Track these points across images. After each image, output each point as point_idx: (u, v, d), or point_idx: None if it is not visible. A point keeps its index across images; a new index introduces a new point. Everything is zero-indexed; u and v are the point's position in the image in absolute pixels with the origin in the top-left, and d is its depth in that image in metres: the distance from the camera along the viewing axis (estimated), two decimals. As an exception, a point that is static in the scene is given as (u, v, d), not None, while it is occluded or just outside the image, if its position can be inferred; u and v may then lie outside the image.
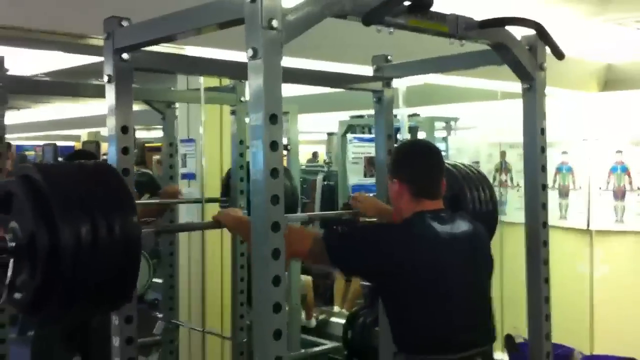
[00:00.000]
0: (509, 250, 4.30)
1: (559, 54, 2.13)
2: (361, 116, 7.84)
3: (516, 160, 5.12)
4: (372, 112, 3.69)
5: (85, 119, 9.91)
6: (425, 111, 6.65)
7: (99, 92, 3.10)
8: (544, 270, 2.31)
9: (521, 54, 2.21)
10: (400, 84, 4.62)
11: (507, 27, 2.12)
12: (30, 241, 1.57)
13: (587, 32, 3.93)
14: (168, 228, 3.50)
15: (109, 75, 2.01)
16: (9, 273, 1.62)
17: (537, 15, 3.19)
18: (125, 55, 1.99)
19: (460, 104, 6.05)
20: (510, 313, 4.36)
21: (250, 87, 1.56)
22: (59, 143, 11.43)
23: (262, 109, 1.53)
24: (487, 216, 2.64)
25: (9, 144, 9.05)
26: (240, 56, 2.68)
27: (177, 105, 4.04)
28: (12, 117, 10.98)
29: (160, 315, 4.12)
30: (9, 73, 2.73)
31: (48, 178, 1.62)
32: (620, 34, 3.93)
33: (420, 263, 2.13)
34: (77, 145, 12.12)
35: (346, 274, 2.80)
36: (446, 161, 3.14)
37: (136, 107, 4.06)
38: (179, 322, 4.10)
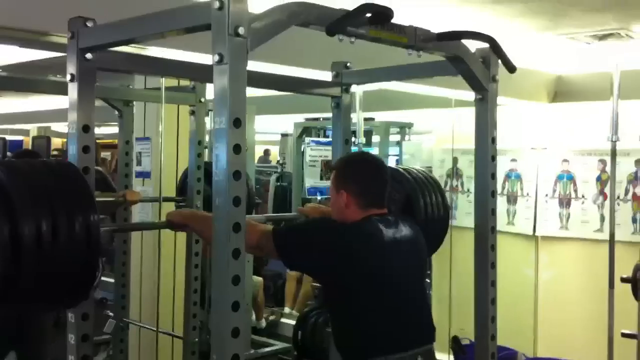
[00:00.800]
0: (457, 253, 4.41)
1: (510, 68, 2.22)
2: (316, 119, 7.94)
3: (467, 167, 5.24)
4: (327, 115, 3.75)
5: (35, 114, 9.73)
6: (381, 116, 6.77)
7: (58, 89, 3.13)
8: (492, 273, 2.40)
9: (475, 66, 2.30)
10: (358, 89, 4.71)
11: (463, 40, 2.21)
12: None
13: (539, 45, 4.06)
14: (125, 227, 3.50)
15: (72, 74, 2.02)
16: None
17: (492, 28, 3.32)
18: (88, 55, 2.01)
19: (415, 110, 6.17)
20: (457, 315, 4.47)
21: (215, 92, 1.60)
22: (8, 137, 11.19)
23: (227, 113, 1.57)
24: (440, 221, 2.72)
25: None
26: (202, 58, 2.74)
27: (134, 103, 4.05)
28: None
29: (111, 314, 4.11)
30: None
31: (10, 174, 1.65)
32: (571, 47, 4.07)
33: (369, 261, 2.20)
34: (27, 140, 11.91)
35: (293, 268, 2.79)
36: (399, 166, 3.24)
37: (92, 103, 4.06)
38: (131, 321, 4.09)
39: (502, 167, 5.07)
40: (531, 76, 4.84)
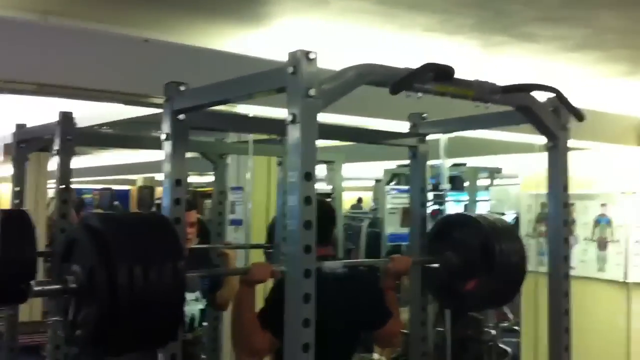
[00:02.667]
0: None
1: (578, 116, 2.29)
2: (407, 165, 8.02)
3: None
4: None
5: (140, 165, 10.31)
6: (467, 162, 6.82)
7: (158, 144, 3.40)
8: (565, 320, 2.41)
9: (545, 115, 2.37)
10: (442, 136, 4.80)
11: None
12: (91, 281, 1.74)
13: (623, 89, 4.06)
14: (210, 272, 3.69)
15: (166, 134, 2.23)
16: (70, 312, 1.82)
17: (575, 74, 3.38)
18: (181, 116, 2.22)
19: (501, 155, 6.18)
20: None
21: (289, 148, 1.76)
22: (115, 187, 11.86)
23: (298, 168, 1.73)
24: (516, 267, 2.75)
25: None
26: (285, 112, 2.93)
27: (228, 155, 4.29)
28: (72, 163, 11.47)
29: (204, 357, 4.30)
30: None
31: (109, 227, 1.82)
32: (657, 90, 4.05)
33: None
34: (133, 189, 12.59)
35: None
36: (472, 213, 3.30)
37: (190, 155, 4.34)
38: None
39: (592, 212, 5.01)
40: (619, 120, 4.79)
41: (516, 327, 5.96)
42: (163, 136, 2.24)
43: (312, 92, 1.72)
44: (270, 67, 1.83)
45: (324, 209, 2.82)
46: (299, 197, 1.74)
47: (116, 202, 10.22)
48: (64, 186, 3.04)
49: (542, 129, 2.41)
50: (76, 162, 9.87)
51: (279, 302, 2.47)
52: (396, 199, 5.43)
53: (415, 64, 1.91)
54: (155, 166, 9.99)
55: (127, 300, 1.70)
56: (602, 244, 5.02)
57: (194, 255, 3.65)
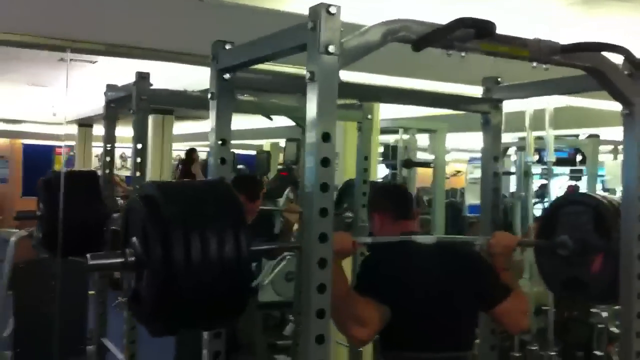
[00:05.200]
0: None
1: (650, 80, 2.05)
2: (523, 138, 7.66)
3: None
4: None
5: (262, 130, 10.50)
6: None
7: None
8: (637, 304, 2.20)
9: (618, 79, 2.15)
10: (547, 106, 4.52)
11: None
12: (149, 256, 1.64)
13: None
14: (277, 246, 3.69)
15: (212, 93, 2.23)
16: (131, 285, 1.74)
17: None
18: (226, 75, 2.21)
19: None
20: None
21: (307, 108, 1.69)
22: (240, 152, 12.19)
23: (317, 127, 1.66)
24: None
25: (193, 149, 9.83)
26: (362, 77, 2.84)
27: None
28: (199, 127, 11.93)
29: (291, 318, 4.36)
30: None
31: (167, 197, 1.71)
32: None
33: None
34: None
35: None
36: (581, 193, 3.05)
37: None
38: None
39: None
40: None
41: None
42: (209, 95, 2.24)
43: (331, 48, 1.65)
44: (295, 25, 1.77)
45: (399, 187, 2.82)
46: (316, 159, 1.66)
47: (240, 166, 10.46)
48: (140, 145, 3.12)
49: (615, 93, 2.19)
50: (201, 126, 10.18)
51: (371, 267, 2.51)
52: (477, 169, 5.20)
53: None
54: (276, 131, 10.20)
55: (184, 274, 1.60)
56: None
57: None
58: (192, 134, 12.58)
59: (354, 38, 1.73)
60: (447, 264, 2.52)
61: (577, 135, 7.03)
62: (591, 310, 5.18)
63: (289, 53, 1.88)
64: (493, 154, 2.76)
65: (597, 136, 6.79)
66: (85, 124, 11.10)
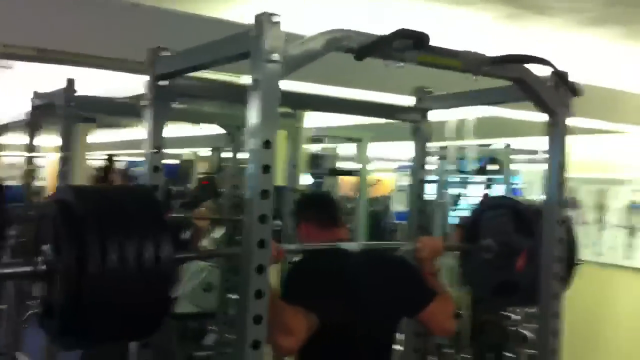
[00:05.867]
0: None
1: (574, 91, 2.17)
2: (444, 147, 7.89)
3: (585, 196, 5.02)
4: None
5: (184, 139, 10.34)
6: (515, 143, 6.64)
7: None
8: (555, 304, 2.30)
9: (542, 90, 2.25)
10: (470, 115, 4.67)
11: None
12: (60, 264, 1.54)
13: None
14: (202, 254, 3.64)
15: (148, 100, 2.21)
16: (40, 296, 1.64)
17: (600, 50, 3.20)
18: (162, 82, 2.19)
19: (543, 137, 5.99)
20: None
21: (250, 115, 1.70)
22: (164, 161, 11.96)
23: (258, 135, 1.67)
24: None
25: (111, 158, 9.59)
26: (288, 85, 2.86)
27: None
28: (120, 135, 11.66)
29: (212, 328, 4.32)
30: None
31: (82, 200, 1.63)
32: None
33: None
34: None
35: None
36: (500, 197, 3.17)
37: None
38: (233, 336, 4.26)
39: (623, 197, 4.82)
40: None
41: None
42: (144, 102, 2.22)
43: (274, 57, 1.66)
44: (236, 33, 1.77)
45: (325, 195, 2.85)
46: (257, 165, 1.67)
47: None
48: (66, 153, 3.05)
49: (539, 104, 2.29)
50: (124, 134, 9.96)
51: (298, 275, 2.48)
52: (405, 176, 5.34)
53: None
54: (197, 141, 10.09)
55: (98, 284, 1.49)
56: (633, 231, 4.83)
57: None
58: (110, 142, 12.29)
59: (296, 46, 1.75)
60: (373, 271, 2.54)
61: (488, 145, 7.25)
62: (503, 313, 5.37)
63: (230, 60, 1.88)
64: (421, 161, 2.84)
65: (509, 145, 7.06)
66: (-7, 132, 10.66)
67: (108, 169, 9.36)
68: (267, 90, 1.67)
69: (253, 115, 1.68)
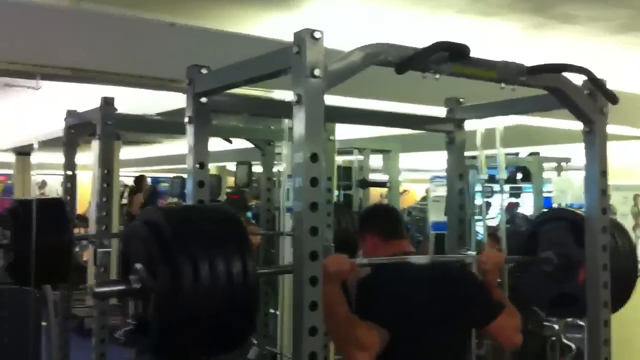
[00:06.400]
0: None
1: (611, 98, 2.18)
2: (474, 157, 7.86)
3: (621, 204, 4.99)
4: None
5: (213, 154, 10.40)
6: (544, 151, 6.64)
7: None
8: (605, 312, 2.31)
9: (579, 98, 2.27)
10: (497, 125, 4.66)
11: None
12: (154, 282, 1.62)
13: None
14: (280, 269, 3.67)
15: (189, 117, 2.25)
16: (133, 313, 1.71)
17: (625, 58, 3.21)
18: (203, 99, 2.24)
19: (569, 144, 5.97)
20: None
21: (295, 130, 1.73)
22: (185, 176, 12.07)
23: (303, 149, 1.70)
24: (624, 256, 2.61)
25: (142, 176, 9.69)
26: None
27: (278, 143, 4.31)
28: (146, 151, 11.81)
29: (255, 342, 4.34)
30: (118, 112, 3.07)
31: (171, 221, 1.70)
32: None
33: None
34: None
35: None
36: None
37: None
38: (274, 350, 4.30)
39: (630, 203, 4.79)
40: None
41: (582, 322, 5.74)
42: (186, 119, 2.26)
43: (316, 72, 1.70)
44: (278, 49, 1.81)
45: (388, 207, 3.04)
46: (304, 179, 1.70)
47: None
48: (106, 171, 3.11)
49: (576, 112, 2.31)
50: (147, 151, 10.09)
51: (368, 289, 2.48)
52: (440, 187, 5.34)
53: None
54: (225, 155, 10.19)
55: (192, 300, 1.57)
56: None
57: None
58: (137, 159, 12.45)
59: (337, 62, 1.79)
60: (442, 284, 2.51)
61: (516, 154, 7.23)
62: (544, 323, 5.32)
63: (270, 77, 1.92)
64: (458, 171, 2.85)
65: (537, 154, 7.03)
66: (22, 152, 10.83)
67: (139, 187, 9.50)
68: (311, 105, 1.70)
69: (298, 129, 1.71)
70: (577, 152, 6.74)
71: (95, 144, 8.16)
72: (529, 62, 2.10)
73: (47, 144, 4.99)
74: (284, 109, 2.59)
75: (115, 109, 3.03)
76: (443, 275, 2.56)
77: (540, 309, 2.84)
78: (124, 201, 10.60)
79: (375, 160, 5.93)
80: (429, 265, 2.55)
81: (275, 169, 4.36)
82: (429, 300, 2.45)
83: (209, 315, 1.61)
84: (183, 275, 1.57)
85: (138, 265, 1.69)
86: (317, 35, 1.70)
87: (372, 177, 6.11)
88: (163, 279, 1.59)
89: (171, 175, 13.26)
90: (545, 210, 5.25)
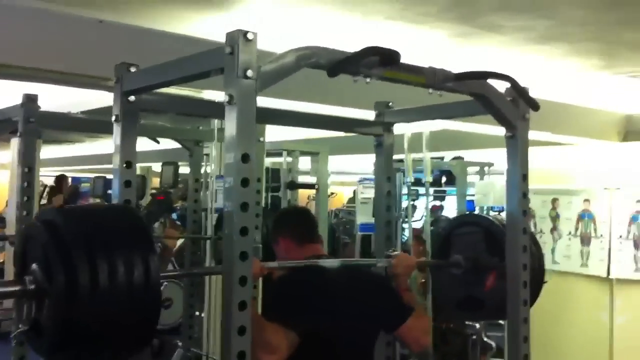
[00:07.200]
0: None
1: (533, 106, 2.26)
2: (401, 160, 8.00)
3: (540, 207, 5.17)
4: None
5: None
6: (469, 155, 6.82)
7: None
8: (523, 310, 2.38)
9: (502, 105, 2.34)
10: (424, 129, 4.77)
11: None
12: (49, 283, 1.58)
13: (601, 84, 4.02)
14: (186, 272, 3.65)
15: (116, 115, 2.21)
16: (28, 315, 1.65)
17: (548, 67, 3.34)
18: (131, 98, 2.20)
19: (492, 149, 6.15)
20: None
21: (226, 130, 1.73)
22: (110, 176, 11.82)
23: (235, 149, 1.70)
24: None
25: (63, 176, 9.42)
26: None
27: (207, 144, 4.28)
28: (68, 151, 11.49)
29: (180, 343, 4.30)
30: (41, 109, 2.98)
31: (70, 221, 1.66)
32: (636, 86, 4.00)
33: None
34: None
35: None
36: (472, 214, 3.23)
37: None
38: (198, 352, 4.27)
39: (576, 207, 4.98)
40: (599, 115, 4.76)
41: (501, 322, 5.93)
42: (113, 118, 2.22)
43: (249, 73, 1.70)
44: (209, 49, 1.81)
45: (302, 210, 3.00)
46: (235, 179, 1.70)
47: (110, 191, 10.17)
48: (27, 169, 3.01)
49: (499, 118, 2.38)
50: (71, 150, 9.83)
51: (278, 293, 2.46)
52: (368, 188, 5.43)
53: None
54: (149, 155, 10.02)
55: (89, 303, 1.54)
56: (586, 240, 5.00)
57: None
58: (58, 158, 12.10)
59: (270, 63, 1.80)
60: (353, 287, 2.55)
61: (441, 158, 7.40)
62: (466, 322, 5.48)
63: (202, 77, 1.91)
64: (386, 174, 2.90)
65: (461, 158, 7.21)
66: None
67: (59, 187, 9.23)
68: (243, 105, 1.70)
69: (230, 129, 1.71)
70: (499, 157, 6.98)
71: (15, 142, 7.94)
72: (455, 69, 2.16)
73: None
74: (215, 109, 2.61)
75: (39, 107, 2.94)
76: (354, 279, 2.59)
77: (449, 309, 2.89)
78: (43, 201, 10.29)
79: (304, 163, 5.97)
80: (341, 269, 2.57)
81: (202, 170, 4.34)
82: (340, 303, 2.48)
83: (106, 320, 1.58)
84: (79, 276, 1.53)
85: (34, 266, 1.65)
86: (250, 36, 1.70)
87: (301, 179, 6.15)
88: (58, 280, 1.55)
89: (92, 175, 12.99)
90: (460, 214, 5.41)
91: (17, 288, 1.65)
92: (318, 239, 2.74)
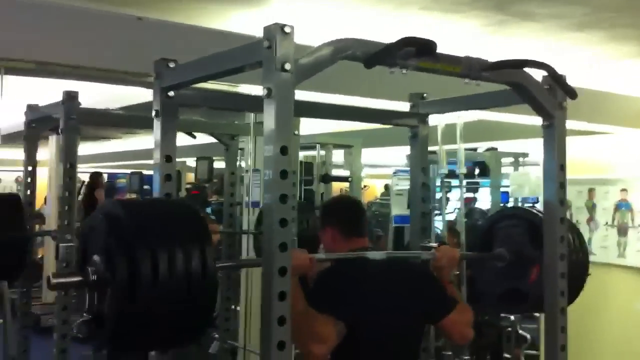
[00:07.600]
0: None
1: (570, 94, 2.24)
2: (433, 152, 7.95)
3: (575, 197, 5.12)
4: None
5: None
6: (502, 146, 6.77)
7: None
8: (561, 301, 2.37)
9: (539, 93, 2.33)
10: (458, 120, 4.75)
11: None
12: (111, 274, 1.62)
13: (638, 71, 3.97)
14: (242, 263, 3.67)
15: (156, 110, 2.25)
16: (91, 305, 1.72)
17: (583, 55, 3.30)
18: (170, 93, 2.24)
19: (527, 140, 6.09)
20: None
21: (265, 123, 1.76)
22: (146, 172, 11.98)
23: (274, 142, 1.73)
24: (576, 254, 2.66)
25: (99, 173, 9.55)
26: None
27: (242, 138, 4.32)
28: (104, 147, 11.66)
29: (216, 336, 4.36)
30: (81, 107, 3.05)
31: (130, 214, 1.71)
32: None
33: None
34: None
35: None
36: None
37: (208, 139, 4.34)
38: (235, 344, 4.32)
39: (612, 197, 4.92)
40: (636, 103, 4.68)
41: (536, 314, 5.89)
42: (153, 113, 2.26)
43: (287, 66, 1.72)
44: (248, 43, 1.83)
45: (353, 201, 2.92)
46: (274, 171, 1.73)
47: (146, 186, 10.31)
48: (69, 165, 3.08)
49: (536, 107, 2.37)
50: (107, 147, 9.99)
51: (326, 283, 2.46)
52: (403, 180, 5.42)
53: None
54: (184, 150, 10.12)
55: (150, 293, 1.59)
56: (623, 230, 4.94)
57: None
58: (93, 155, 12.29)
59: (306, 56, 1.82)
60: (398, 279, 2.57)
61: (475, 149, 7.34)
62: (501, 314, 5.45)
63: (240, 71, 1.94)
64: (421, 165, 2.91)
65: (495, 149, 7.15)
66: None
67: (95, 184, 9.39)
68: (282, 98, 1.72)
69: (268, 123, 1.73)
70: (534, 147, 6.90)
71: (53, 140, 8.07)
72: (489, 58, 2.16)
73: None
74: (252, 103, 2.64)
75: (80, 103, 3.01)
76: (399, 272, 2.62)
77: (490, 303, 2.88)
78: (80, 197, 10.46)
79: (337, 156, 5.99)
80: (386, 261, 2.58)
81: (237, 164, 4.37)
82: (385, 295, 2.50)
83: (165, 309, 1.62)
84: (140, 268, 1.58)
85: (95, 257, 1.69)
86: (287, 29, 1.72)
87: (334, 172, 6.17)
88: (120, 271, 1.59)
89: (127, 171, 13.15)
90: (502, 206, 5.38)
91: (79, 279, 1.70)
92: (365, 234, 2.73)
